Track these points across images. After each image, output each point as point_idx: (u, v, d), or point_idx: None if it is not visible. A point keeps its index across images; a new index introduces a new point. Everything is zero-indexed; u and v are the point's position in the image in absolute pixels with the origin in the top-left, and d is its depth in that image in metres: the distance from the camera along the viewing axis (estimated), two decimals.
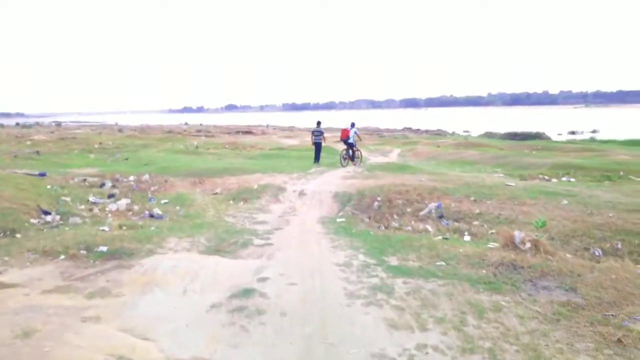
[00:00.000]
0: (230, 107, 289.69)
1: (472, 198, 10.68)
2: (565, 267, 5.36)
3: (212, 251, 6.65)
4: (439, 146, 29.52)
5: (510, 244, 6.16)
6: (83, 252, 6.45)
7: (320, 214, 10.21)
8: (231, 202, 11.51)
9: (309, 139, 38.26)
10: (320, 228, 8.36)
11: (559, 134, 46.11)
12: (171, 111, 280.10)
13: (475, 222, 8.87)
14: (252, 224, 8.85)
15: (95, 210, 9.94)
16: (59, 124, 65.81)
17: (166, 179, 14.78)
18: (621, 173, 14.78)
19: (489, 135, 45.48)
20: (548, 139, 40.02)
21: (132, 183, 14.15)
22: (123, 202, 10.38)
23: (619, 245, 6.98)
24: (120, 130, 48.63)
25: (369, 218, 9.81)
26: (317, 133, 18.55)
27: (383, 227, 8.64)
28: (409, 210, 10.19)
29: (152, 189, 13.27)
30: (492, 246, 6.89)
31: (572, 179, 14.27)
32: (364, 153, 25.79)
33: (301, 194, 12.47)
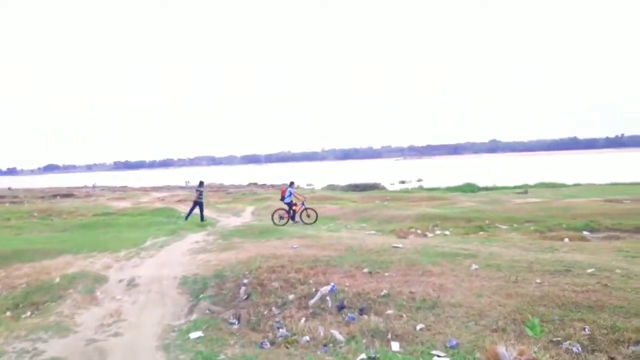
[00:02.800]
0: (51, 168, 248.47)
1: (366, 270, 8.37)
2: None
3: None
4: None
5: None
6: None
7: (162, 321, 6.68)
8: (8, 314, 7.15)
9: (144, 200, 33.47)
10: None
11: (391, 184, 49.54)
12: None
13: (389, 311, 6.43)
14: None
15: None
16: None
17: None
18: (486, 222, 14.50)
19: (331, 187, 46.49)
20: (384, 188, 42.28)
21: None
22: None
23: (587, 330, 5.23)
24: None
25: (238, 320, 6.63)
26: (198, 192, 18.54)
27: (268, 343, 5.51)
28: (291, 297, 7.31)
29: None
30: None
31: (447, 232, 13.34)
32: (212, 214, 22.15)
33: (131, 284, 8.70)
